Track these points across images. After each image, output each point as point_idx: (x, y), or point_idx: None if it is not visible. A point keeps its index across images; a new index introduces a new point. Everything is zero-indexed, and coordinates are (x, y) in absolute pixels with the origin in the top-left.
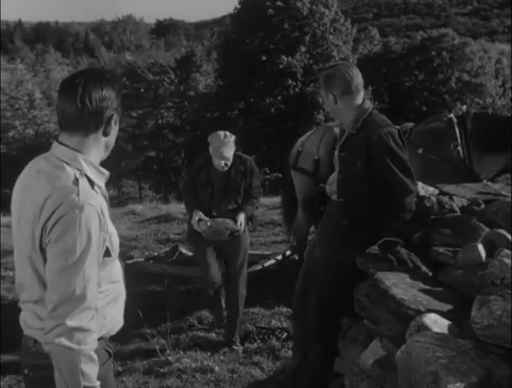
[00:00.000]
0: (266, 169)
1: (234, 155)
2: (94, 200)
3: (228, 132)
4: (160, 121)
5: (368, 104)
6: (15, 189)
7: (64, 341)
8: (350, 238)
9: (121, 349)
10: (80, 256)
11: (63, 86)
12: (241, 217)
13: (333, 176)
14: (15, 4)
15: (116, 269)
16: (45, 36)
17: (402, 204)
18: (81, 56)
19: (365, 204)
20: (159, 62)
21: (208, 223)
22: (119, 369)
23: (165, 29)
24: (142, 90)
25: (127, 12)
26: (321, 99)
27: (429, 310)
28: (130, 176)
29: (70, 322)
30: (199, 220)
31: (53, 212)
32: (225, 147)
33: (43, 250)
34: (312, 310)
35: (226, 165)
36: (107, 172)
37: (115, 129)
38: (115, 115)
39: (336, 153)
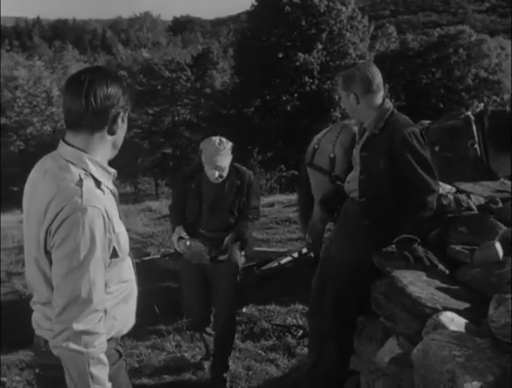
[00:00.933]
0: (282, 166)
1: (231, 166)
2: (99, 202)
3: (224, 139)
4: (176, 118)
5: (389, 104)
6: (26, 187)
7: (71, 345)
8: (369, 238)
9: (137, 345)
10: (84, 259)
11: (68, 84)
12: (227, 240)
13: (353, 175)
14: (34, 1)
15: (126, 268)
16: (63, 33)
17: (425, 202)
18: (98, 53)
19: (386, 204)
20: (176, 59)
21: (188, 242)
22: (136, 365)
23: (181, 26)
24: (159, 88)
25: (144, 9)
26: (337, 97)
27: (446, 309)
28: (146, 173)
29: (77, 326)
30: (180, 238)
31: (57, 215)
32: (220, 155)
33: (48, 253)
34: (328, 309)
35: (221, 176)
36: (113, 171)
37: (122, 128)
38: (122, 113)
39: (356, 152)
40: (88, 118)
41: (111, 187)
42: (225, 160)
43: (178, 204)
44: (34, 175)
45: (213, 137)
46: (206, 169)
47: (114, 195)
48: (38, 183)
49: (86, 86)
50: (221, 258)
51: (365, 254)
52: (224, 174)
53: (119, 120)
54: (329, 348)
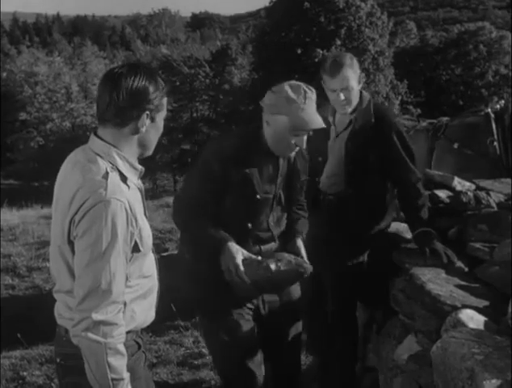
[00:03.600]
0: None
1: None
2: (122, 195)
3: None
4: (195, 114)
5: (367, 93)
6: (57, 177)
7: (90, 334)
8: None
9: (155, 341)
10: (106, 251)
11: (102, 77)
12: (302, 246)
13: (331, 169)
14: None
15: (148, 264)
16: (82, 30)
17: (418, 191)
18: (117, 49)
19: (374, 196)
20: (194, 56)
21: (273, 265)
22: (154, 360)
23: (200, 22)
24: (177, 84)
25: (162, 6)
26: None
27: (465, 306)
28: (165, 169)
29: (96, 316)
30: (244, 259)
31: (81, 206)
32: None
33: (71, 243)
34: (332, 312)
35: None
36: (140, 167)
37: (153, 127)
38: (150, 112)
39: (333, 144)
40: (111, 113)
41: (138, 183)
42: None
43: (207, 208)
44: (65, 166)
45: (292, 83)
46: (274, 141)
47: (140, 191)
48: (67, 174)
49: (113, 81)
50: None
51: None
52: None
53: (146, 119)
54: (340, 346)
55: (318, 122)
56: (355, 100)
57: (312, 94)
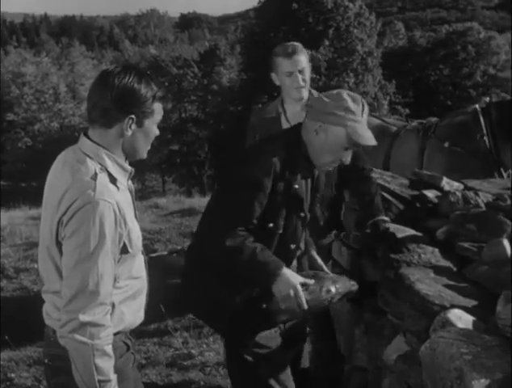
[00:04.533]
0: None
1: None
2: (111, 196)
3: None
4: (183, 115)
5: (314, 91)
6: (48, 177)
7: (77, 336)
8: None
9: (144, 342)
10: (94, 252)
11: (95, 78)
12: (319, 258)
13: None
14: None
15: (138, 265)
16: (70, 30)
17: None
18: (105, 49)
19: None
20: (183, 56)
21: (333, 288)
22: (143, 361)
23: (188, 23)
24: (166, 84)
25: (150, 6)
26: None
27: (453, 306)
28: (153, 170)
29: (83, 317)
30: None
31: (69, 207)
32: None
33: (59, 244)
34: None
35: None
36: (130, 168)
37: (139, 132)
38: (134, 117)
39: None
40: (97, 113)
41: (128, 184)
42: None
43: (249, 228)
44: (55, 166)
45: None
46: (326, 153)
47: (130, 192)
48: (57, 174)
49: (102, 81)
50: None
51: None
52: None
53: (131, 123)
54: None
55: (372, 138)
56: (308, 87)
57: (367, 108)
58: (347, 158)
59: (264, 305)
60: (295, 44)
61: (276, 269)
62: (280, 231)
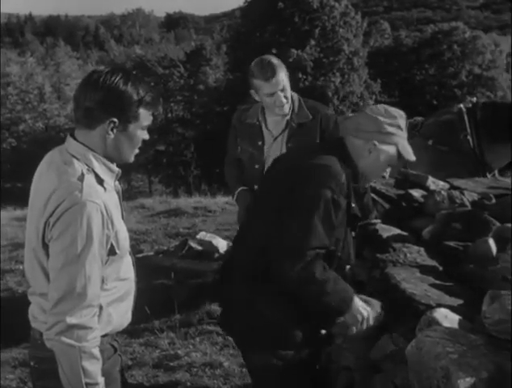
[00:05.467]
0: None
1: None
2: (98, 197)
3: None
4: (169, 115)
5: (293, 92)
6: (34, 178)
7: (64, 338)
8: None
9: (130, 343)
10: (81, 253)
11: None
12: None
13: None
14: None
15: (125, 267)
16: (55, 30)
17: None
18: (91, 49)
19: None
20: (169, 56)
21: (379, 308)
22: (129, 362)
23: (174, 23)
24: (152, 84)
25: (136, 5)
26: (330, 93)
27: (439, 305)
28: (140, 170)
29: (70, 319)
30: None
31: (56, 208)
32: None
33: (46, 246)
34: None
35: None
36: (117, 170)
37: (122, 135)
38: (116, 120)
39: (274, 146)
40: (80, 114)
41: (115, 185)
42: None
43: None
44: (41, 167)
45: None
46: (372, 171)
47: (117, 193)
48: (43, 175)
49: (87, 81)
50: None
51: None
52: None
53: (112, 125)
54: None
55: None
56: (290, 101)
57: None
58: (386, 175)
59: (323, 331)
60: (273, 61)
61: (351, 298)
62: (339, 253)
